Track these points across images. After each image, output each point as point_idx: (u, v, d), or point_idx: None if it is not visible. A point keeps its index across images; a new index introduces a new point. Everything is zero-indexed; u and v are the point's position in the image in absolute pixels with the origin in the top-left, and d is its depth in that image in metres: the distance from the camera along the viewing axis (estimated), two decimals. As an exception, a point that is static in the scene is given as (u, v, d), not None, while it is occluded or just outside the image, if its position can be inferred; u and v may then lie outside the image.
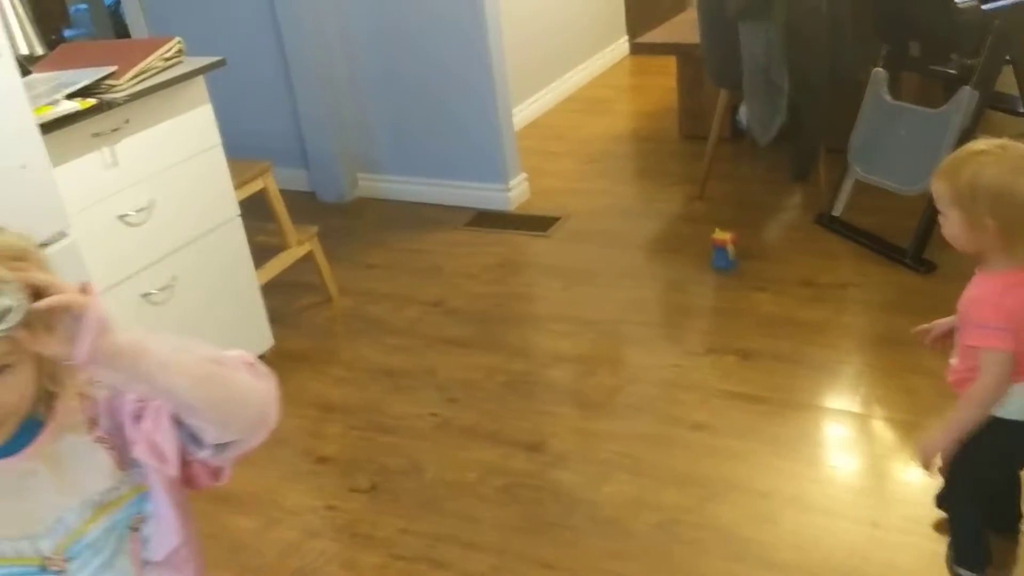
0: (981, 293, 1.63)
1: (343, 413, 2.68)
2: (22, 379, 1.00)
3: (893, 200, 3.29)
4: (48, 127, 2.10)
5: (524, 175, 3.92)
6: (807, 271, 3.08)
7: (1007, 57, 2.88)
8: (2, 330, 0.91)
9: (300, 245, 3.13)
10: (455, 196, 3.91)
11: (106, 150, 2.30)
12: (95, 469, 1.07)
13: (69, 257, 2.10)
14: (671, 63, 5.40)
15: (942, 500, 1.96)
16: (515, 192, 3.86)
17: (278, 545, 2.20)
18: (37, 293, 0.92)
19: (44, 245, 2.04)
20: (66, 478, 1.06)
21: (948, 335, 1.78)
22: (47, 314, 0.92)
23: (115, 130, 2.31)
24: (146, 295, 2.43)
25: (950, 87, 3.44)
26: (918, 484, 2.12)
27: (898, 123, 3.09)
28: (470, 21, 3.59)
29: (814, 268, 3.09)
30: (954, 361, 1.73)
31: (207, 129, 2.57)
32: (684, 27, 4.27)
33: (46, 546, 1.05)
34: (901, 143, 3.06)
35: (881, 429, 2.39)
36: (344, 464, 2.47)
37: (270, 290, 2.98)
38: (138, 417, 1.06)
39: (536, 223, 3.69)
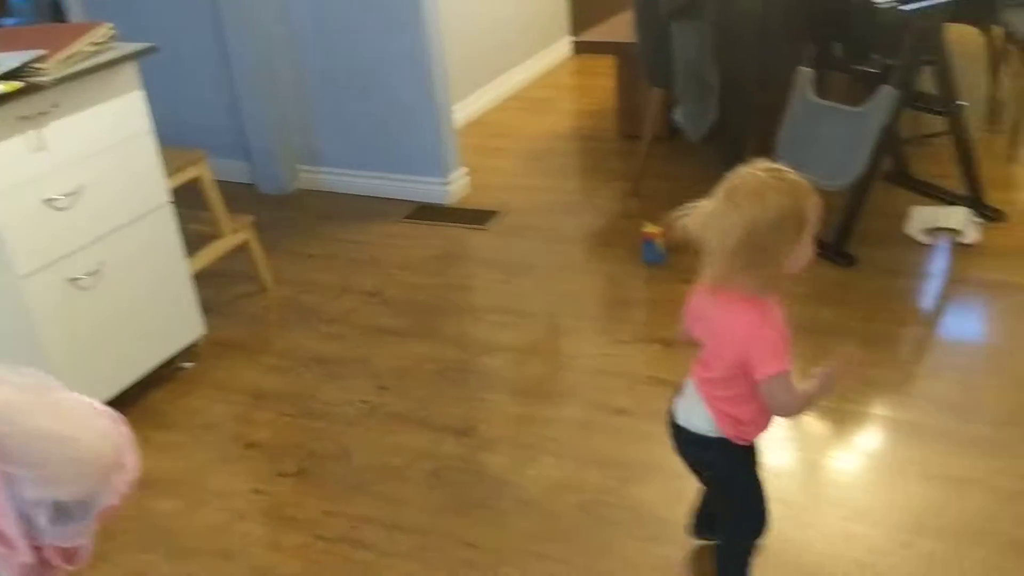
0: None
1: (274, 400, 2.69)
2: None
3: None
4: (-28, 109, 2.09)
5: (464, 169, 3.96)
6: (736, 264, 3.15)
7: (926, 57, 2.98)
8: None
9: (234, 234, 3.13)
10: (395, 189, 3.93)
11: (32, 133, 2.29)
12: None
13: (-9, 238, 2.09)
14: (614, 63, 5.50)
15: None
16: (455, 186, 3.89)
17: (203, 527, 2.21)
18: None
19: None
20: None
21: None
22: None
23: (42, 113, 2.30)
24: (73, 280, 2.42)
25: (871, 86, 3.56)
26: (833, 465, 2.21)
27: (822, 121, 3.18)
28: (410, 13, 3.62)
29: (743, 261, 3.17)
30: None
31: (138, 115, 2.56)
32: (624, 26, 4.35)
33: None
34: (825, 140, 3.15)
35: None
36: (273, 449, 2.49)
37: (205, 280, 2.98)
38: None
39: (475, 217, 3.73)
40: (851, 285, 2.97)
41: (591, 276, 3.25)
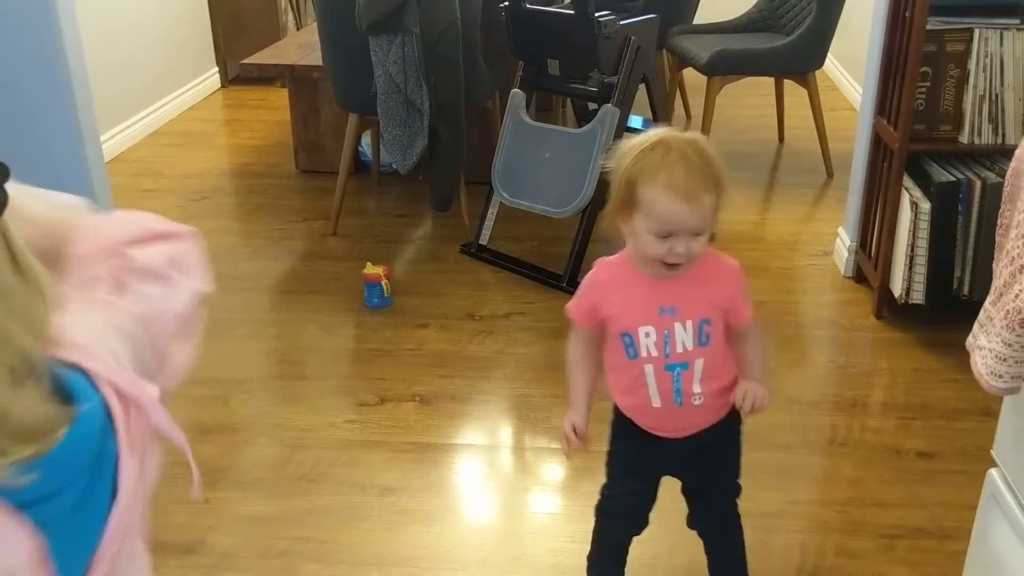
0: None
1: None
2: None
3: (537, 225, 3.21)
4: None
5: (118, 215, 3.24)
6: (466, 303, 2.84)
7: (642, 74, 2.91)
8: None
9: None
10: (28, 243, 3.11)
11: None
12: None
13: None
14: (271, 96, 5.02)
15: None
16: (109, 235, 3.17)
17: None
18: None
19: None
20: None
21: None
22: None
23: None
24: None
25: (579, 107, 3.47)
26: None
27: (541, 145, 2.98)
28: (40, 27, 2.87)
29: (473, 300, 2.86)
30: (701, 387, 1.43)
31: None
32: (290, 51, 3.89)
33: None
34: (548, 166, 2.95)
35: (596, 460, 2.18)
36: None
37: None
38: None
39: (141, 270, 3.04)
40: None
41: (306, 328, 2.74)
